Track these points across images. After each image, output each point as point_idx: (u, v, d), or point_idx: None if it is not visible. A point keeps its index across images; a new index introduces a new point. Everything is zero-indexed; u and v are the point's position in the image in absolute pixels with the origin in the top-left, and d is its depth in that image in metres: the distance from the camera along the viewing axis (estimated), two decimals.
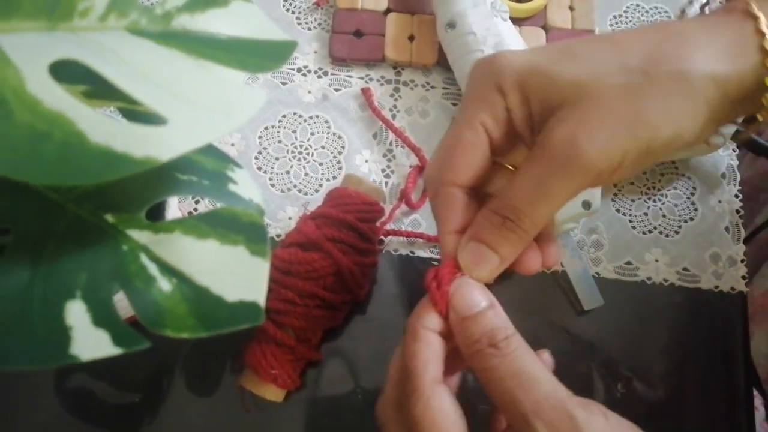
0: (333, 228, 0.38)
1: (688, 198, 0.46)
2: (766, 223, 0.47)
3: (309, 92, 0.47)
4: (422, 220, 0.44)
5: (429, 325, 0.28)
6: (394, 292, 0.42)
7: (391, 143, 0.46)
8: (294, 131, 0.46)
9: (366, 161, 0.45)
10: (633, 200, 0.45)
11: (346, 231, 0.38)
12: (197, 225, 0.24)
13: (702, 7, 0.43)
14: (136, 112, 0.24)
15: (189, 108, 0.21)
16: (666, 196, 0.46)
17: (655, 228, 0.45)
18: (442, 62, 0.47)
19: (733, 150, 0.47)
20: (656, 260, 0.44)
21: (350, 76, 0.47)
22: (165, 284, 0.22)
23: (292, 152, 0.45)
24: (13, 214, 0.23)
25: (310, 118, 0.46)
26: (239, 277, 0.23)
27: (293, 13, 0.49)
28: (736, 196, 0.46)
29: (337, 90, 0.47)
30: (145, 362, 0.39)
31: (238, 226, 0.24)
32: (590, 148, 0.25)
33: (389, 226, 0.43)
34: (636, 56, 0.26)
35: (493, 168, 0.30)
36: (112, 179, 0.18)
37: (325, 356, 0.40)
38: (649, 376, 0.41)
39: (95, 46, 0.22)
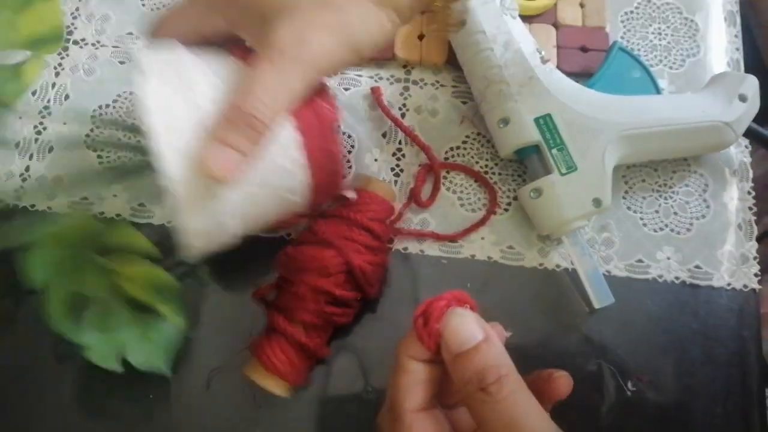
0: (345, 227, 0.38)
1: (700, 195, 0.45)
2: None
3: None
4: (432, 219, 0.44)
5: (414, 354, 0.28)
6: (404, 290, 0.42)
7: (400, 142, 0.46)
8: None
9: (375, 160, 0.45)
10: (644, 197, 0.45)
11: (357, 230, 0.38)
12: None
13: None
14: None
15: None
16: (678, 194, 0.45)
17: (666, 225, 0.44)
18: (452, 61, 0.47)
19: (746, 147, 0.47)
20: (668, 258, 0.43)
21: (360, 75, 0.48)
22: None
23: None
24: None
25: None
26: None
27: None
28: (749, 193, 0.45)
29: (346, 89, 0.47)
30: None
31: None
32: (316, 47, 0.30)
33: (399, 225, 0.43)
34: None
35: None
36: None
37: (334, 354, 0.40)
38: (660, 375, 0.41)
39: None
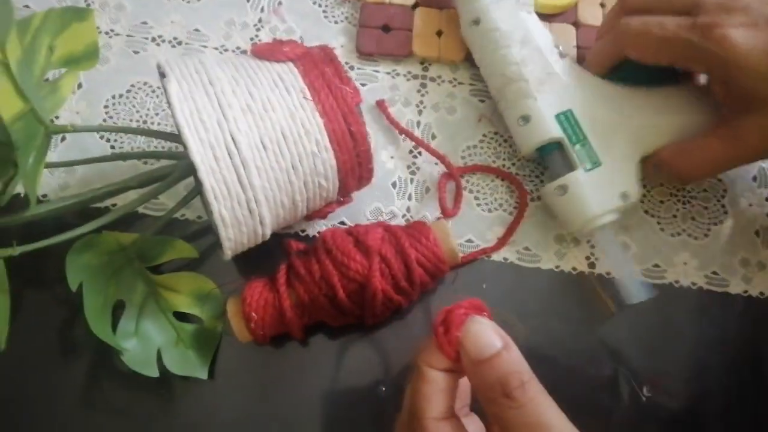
0: (391, 249, 0.37)
1: (718, 201, 0.45)
2: None
3: None
4: (457, 227, 0.43)
5: (434, 364, 0.29)
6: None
7: None
8: None
9: (392, 157, 0.45)
10: (662, 201, 0.45)
11: (399, 261, 0.37)
12: None
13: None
14: None
15: None
16: (696, 198, 0.45)
17: (683, 230, 0.44)
18: (470, 58, 0.46)
19: None
20: (684, 263, 0.43)
21: (377, 71, 0.47)
22: None
23: None
24: None
25: None
26: None
27: (320, 6, 0.49)
28: (767, 199, 0.45)
29: (363, 85, 0.47)
30: None
31: None
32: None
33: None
34: None
35: None
36: None
37: (352, 347, 0.40)
38: (676, 381, 0.41)
39: None
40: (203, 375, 0.39)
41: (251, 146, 0.32)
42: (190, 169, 0.36)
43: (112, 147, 0.44)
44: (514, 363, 0.27)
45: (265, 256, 0.39)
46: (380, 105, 0.45)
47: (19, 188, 0.43)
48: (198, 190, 0.38)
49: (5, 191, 0.37)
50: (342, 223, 0.43)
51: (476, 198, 0.44)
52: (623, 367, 0.41)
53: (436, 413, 0.28)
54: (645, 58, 0.39)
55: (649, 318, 0.42)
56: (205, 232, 0.43)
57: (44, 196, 0.42)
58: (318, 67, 0.35)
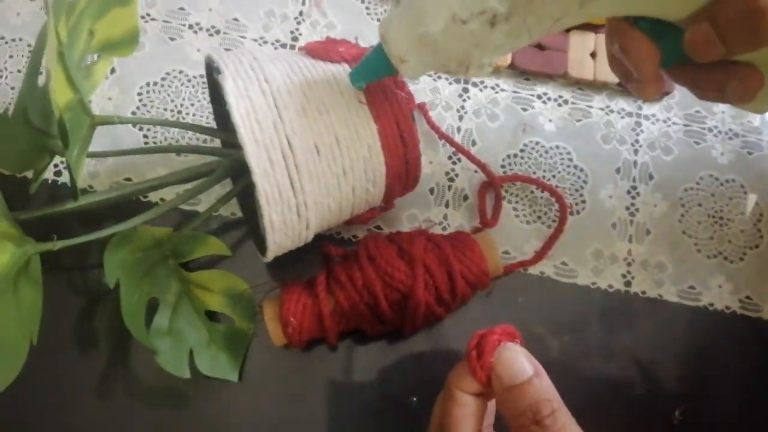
0: (435, 260, 0.36)
1: (755, 225, 0.45)
2: None
3: None
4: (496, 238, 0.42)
5: (466, 387, 0.29)
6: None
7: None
8: None
9: (430, 162, 0.44)
10: (699, 222, 0.44)
11: (443, 273, 0.36)
12: None
13: None
14: None
15: None
16: (733, 221, 0.44)
17: (720, 253, 0.44)
18: (514, 65, 0.45)
19: None
20: (719, 286, 0.43)
21: None
22: None
23: None
24: None
25: None
26: None
27: (363, 1, 0.47)
28: None
29: None
30: None
31: None
32: None
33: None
34: None
35: None
36: None
37: (388, 357, 0.40)
38: (707, 406, 0.40)
39: None
40: (234, 377, 0.38)
41: (305, 150, 0.31)
42: (236, 168, 0.35)
43: (145, 136, 0.43)
44: (546, 391, 0.28)
45: (296, 258, 0.38)
46: (421, 108, 0.44)
47: (46, 175, 0.41)
48: (238, 189, 0.37)
49: (38, 179, 0.36)
50: (377, 227, 0.42)
51: (515, 209, 0.43)
52: (655, 389, 0.40)
53: None
54: None
55: (682, 340, 0.41)
56: (231, 227, 0.42)
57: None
58: None
